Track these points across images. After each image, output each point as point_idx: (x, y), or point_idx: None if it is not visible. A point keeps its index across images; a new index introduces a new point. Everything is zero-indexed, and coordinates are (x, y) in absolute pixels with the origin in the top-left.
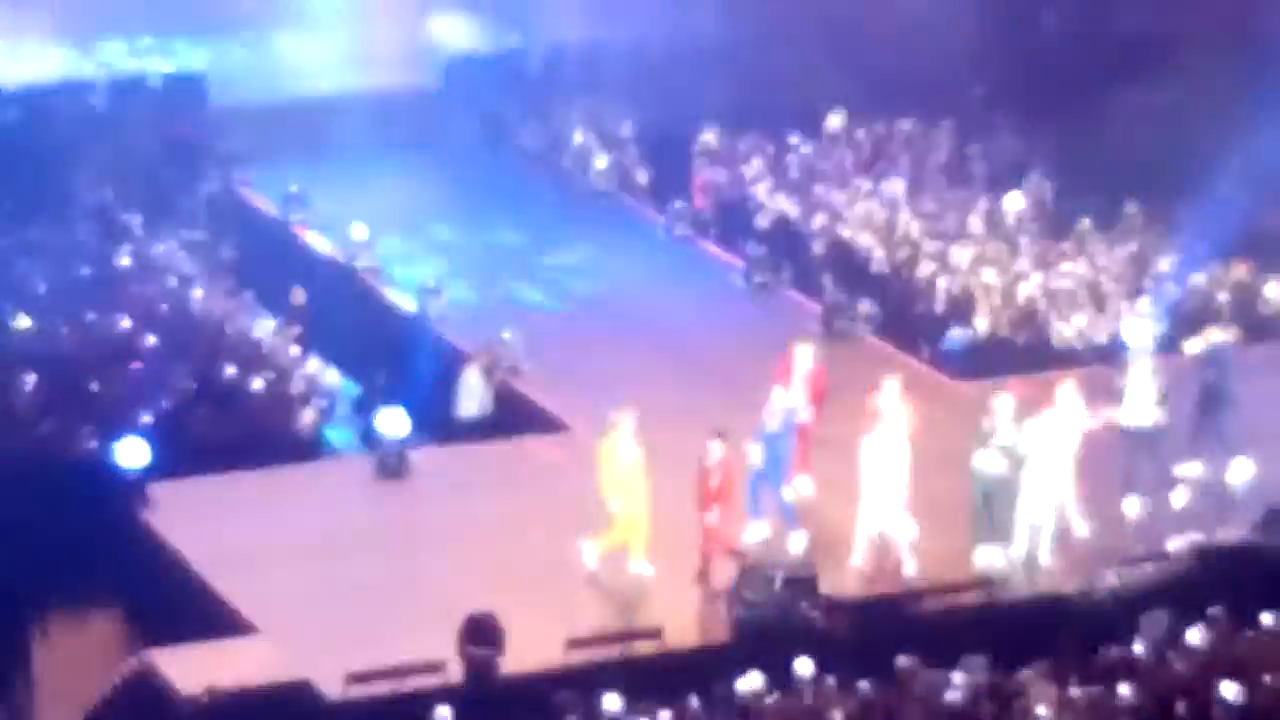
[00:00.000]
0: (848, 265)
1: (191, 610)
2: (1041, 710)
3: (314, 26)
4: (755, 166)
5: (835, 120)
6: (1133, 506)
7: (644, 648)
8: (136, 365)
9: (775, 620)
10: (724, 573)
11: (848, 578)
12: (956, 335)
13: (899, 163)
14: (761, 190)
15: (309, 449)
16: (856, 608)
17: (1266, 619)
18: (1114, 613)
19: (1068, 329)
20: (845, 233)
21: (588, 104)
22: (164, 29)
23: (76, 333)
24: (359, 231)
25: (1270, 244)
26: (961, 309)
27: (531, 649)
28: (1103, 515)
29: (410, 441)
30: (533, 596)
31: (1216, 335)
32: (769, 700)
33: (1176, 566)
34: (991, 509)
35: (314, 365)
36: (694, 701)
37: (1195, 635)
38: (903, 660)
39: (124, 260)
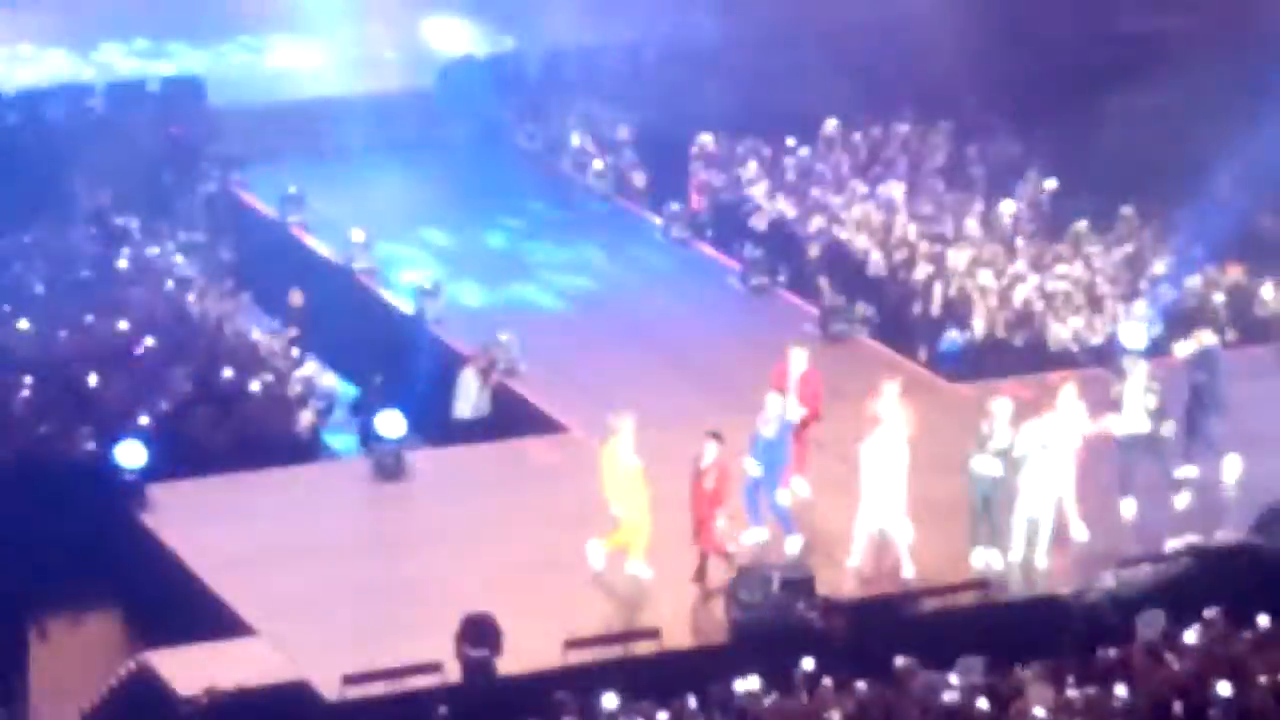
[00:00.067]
0: (844, 267)
1: (189, 611)
2: (1039, 711)
3: (311, 29)
4: (752, 169)
5: (832, 123)
6: (1129, 508)
7: (642, 648)
8: (135, 367)
9: (773, 621)
10: (721, 574)
11: (845, 579)
12: (953, 337)
13: (896, 165)
14: (758, 193)
15: (307, 450)
16: (854, 608)
17: (1263, 620)
18: (1111, 614)
19: (1064, 331)
20: (842, 235)
21: (585, 106)
22: (162, 32)
23: (75, 335)
24: (357, 233)
25: (1265, 246)
26: (958, 311)
27: (529, 649)
28: (1099, 517)
29: (407, 443)
30: (530, 597)
31: (1207, 338)
32: (766, 701)
33: (1173, 568)
34: (989, 511)
35: (311, 367)
36: (691, 702)
37: (1192, 636)
38: (900, 661)
39: (122, 262)
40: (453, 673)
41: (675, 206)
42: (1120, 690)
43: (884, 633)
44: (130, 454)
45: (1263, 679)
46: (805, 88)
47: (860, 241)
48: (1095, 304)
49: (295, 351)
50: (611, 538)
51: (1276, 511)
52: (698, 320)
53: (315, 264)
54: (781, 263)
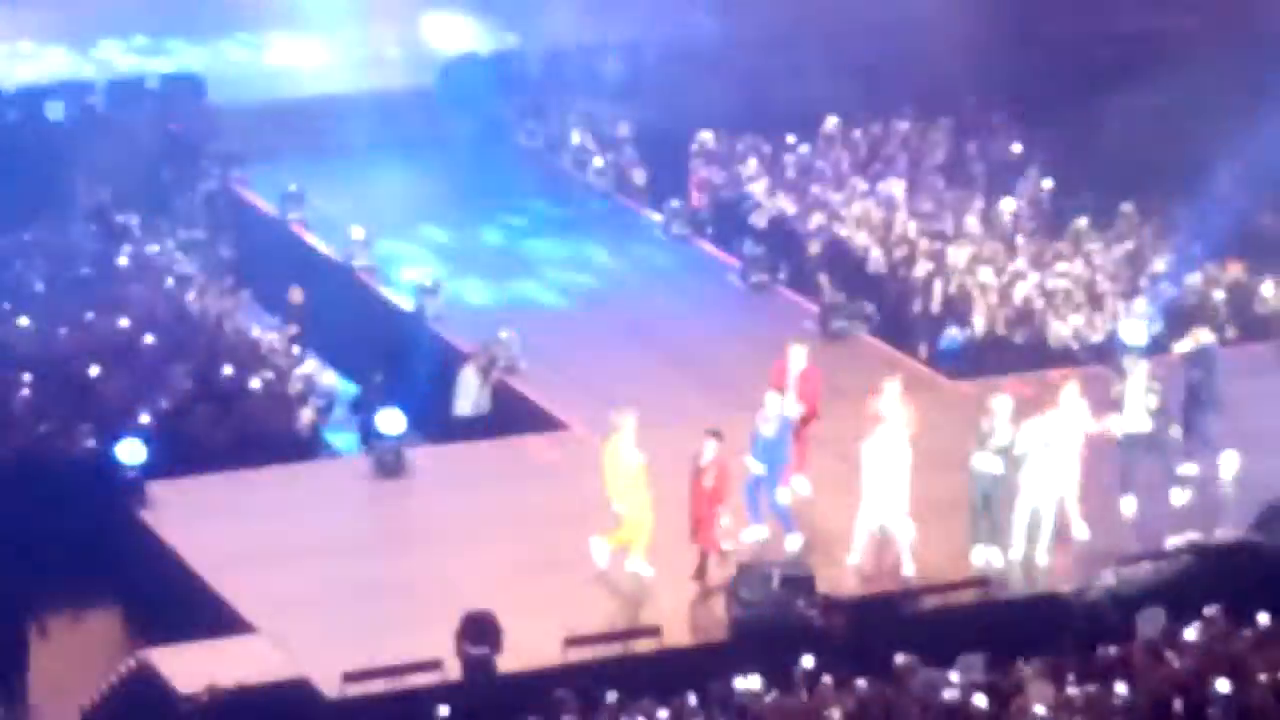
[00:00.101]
0: (845, 265)
1: (190, 609)
2: (1039, 708)
3: (312, 26)
4: (752, 166)
5: (832, 120)
6: (1130, 506)
7: (642, 646)
8: (135, 364)
9: (773, 619)
10: (722, 572)
11: (845, 576)
12: (953, 335)
13: (896, 162)
14: (759, 190)
15: (307, 448)
16: (854, 606)
17: (1263, 618)
18: (1111, 611)
19: (1064, 328)
20: (842, 232)
21: (585, 104)
22: (162, 29)
23: (75, 332)
24: (357, 231)
25: (1265, 244)
26: (958, 309)
27: (529, 647)
28: (1100, 515)
29: (408, 440)
30: (530, 595)
31: (1204, 335)
32: (767, 699)
33: (1173, 565)
34: (990, 509)
35: (312, 365)
36: (692, 700)
37: (1192, 633)
38: (900, 659)
39: (122, 260)
40: (453, 670)
41: (675, 204)
42: (1120, 688)
43: (884, 630)
44: (130, 451)
45: (1263, 677)
46: (805, 85)
47: (860, 239)
48: (1095, 301)
49: (295, 349)
50: (614, 535)
51: (1276, 509)
52: (698, 317)
53: (315, 261)
54: (781, 260)
